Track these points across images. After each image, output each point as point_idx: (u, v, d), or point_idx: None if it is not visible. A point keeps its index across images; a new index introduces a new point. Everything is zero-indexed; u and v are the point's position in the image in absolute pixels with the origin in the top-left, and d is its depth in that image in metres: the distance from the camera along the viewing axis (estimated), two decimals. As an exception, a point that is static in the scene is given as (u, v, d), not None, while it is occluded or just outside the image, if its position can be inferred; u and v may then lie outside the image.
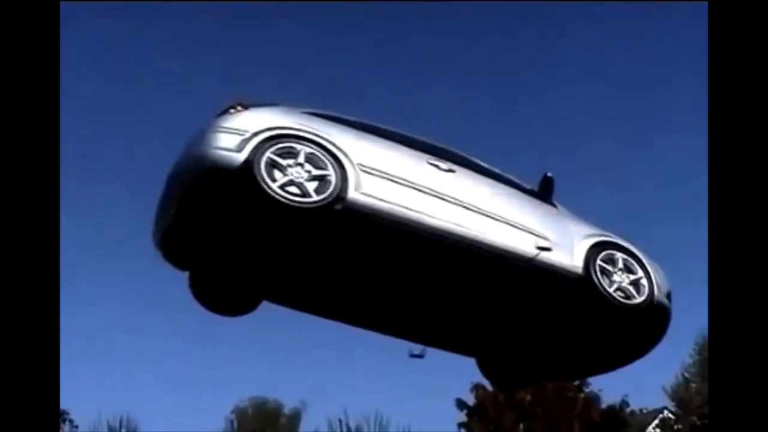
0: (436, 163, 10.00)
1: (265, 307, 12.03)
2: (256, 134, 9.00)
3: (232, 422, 44.52)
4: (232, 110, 9.42)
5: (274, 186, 8.75)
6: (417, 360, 11.22)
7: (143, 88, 77.30)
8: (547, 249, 9.93)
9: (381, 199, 9.20)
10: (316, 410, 51.85)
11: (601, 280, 10.07)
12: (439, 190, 9.67)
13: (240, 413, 45.18)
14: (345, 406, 44.05)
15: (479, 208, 9.88)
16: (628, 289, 10.24)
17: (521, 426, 37.70)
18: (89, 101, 69.70)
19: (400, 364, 72.80)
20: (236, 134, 9.00)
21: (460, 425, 38.60)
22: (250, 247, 9.76)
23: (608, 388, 37.55)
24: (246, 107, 9.51)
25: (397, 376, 68.85)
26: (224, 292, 10.66)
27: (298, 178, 8.93)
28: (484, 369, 12.33)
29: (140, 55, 75.68)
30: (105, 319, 70.10)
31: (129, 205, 71.16)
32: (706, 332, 42.17)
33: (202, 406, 69.29)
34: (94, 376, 59.02)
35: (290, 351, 71.52)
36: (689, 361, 42.61)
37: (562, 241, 10.20)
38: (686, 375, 42.16)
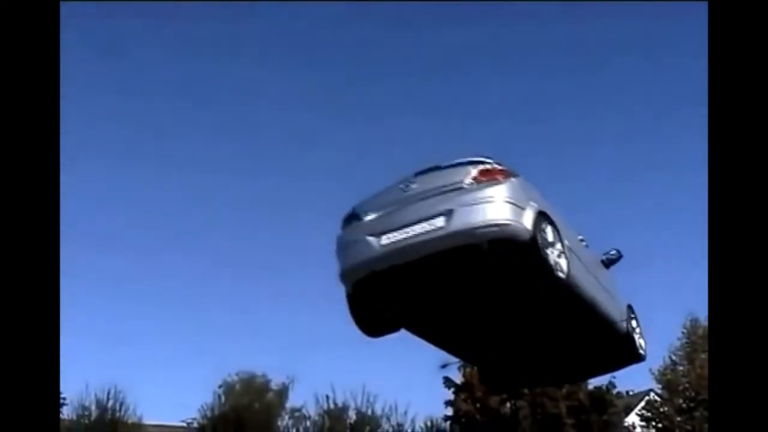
0: (581, 237, 13.14)
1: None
2: (531, 209, 10.86)
3: (219, 396, 44.42)
4: (489, 174, 11.05)
5: (551, 260, 10.97)
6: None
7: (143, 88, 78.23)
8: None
9: (576, 275, 11.73)
10: (304, 386, 51.89)
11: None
12: (587, 263, 12.66)
13: (227, 388, 44.96)
14: (332, 382, 43.94)
15: (597, 280, 13.13)
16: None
17: (507, 406, 37.84)
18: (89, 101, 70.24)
19: (388, 342, 73.24)
20: (517, 207, 10.71)
21: (447, 403, 38.77)
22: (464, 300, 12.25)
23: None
24: (506, 174, 11.11)
25: (384, 353, 69.25)
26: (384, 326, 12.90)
27: (557, 253, 11.24)
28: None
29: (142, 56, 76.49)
30: (94, 291, 70.16)
31: (121, 189, 71.28)
32: (693, 316, 42.49)
33: (190, 380, 69.75)
34: (82, 349, 59.06)
35: (280, 327, 72.28)
36: (677, 344, 42.72)
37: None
38: (673, 358, 42.29)
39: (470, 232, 10.58)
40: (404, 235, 10.96)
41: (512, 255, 10.72)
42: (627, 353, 15.16)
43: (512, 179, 11.09)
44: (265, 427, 43.45)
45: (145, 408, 46.34)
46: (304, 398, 45.88)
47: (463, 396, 38.05)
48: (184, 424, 44.47)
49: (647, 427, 42.01)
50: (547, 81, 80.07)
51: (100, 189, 72.00)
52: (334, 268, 11.67)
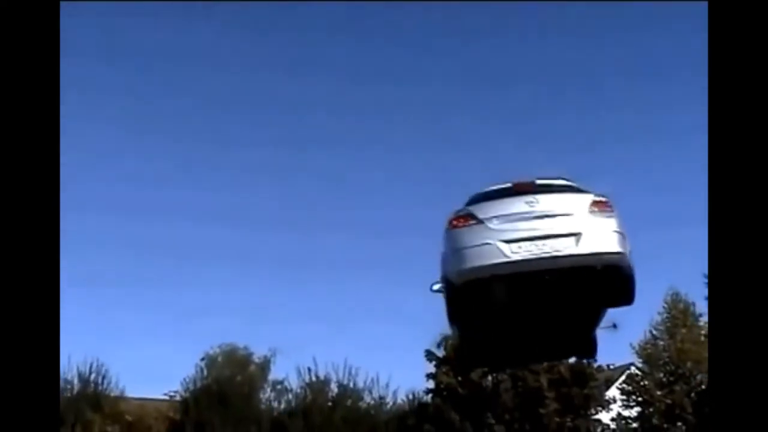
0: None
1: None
2: (626, 238, 12.95)
3: (201, 369, 44.45)
4: (602, 205, 12.93)
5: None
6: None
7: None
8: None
9: None
10: (286, 359, 51.86)
11: None
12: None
13: (210, 360, 44.96)
14: (314, 356, 44.05)
15: None
16: None
17: (489, 379, 38.03)
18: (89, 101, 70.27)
19: (370, 315, 73.65)
20: (623, 237, 12.85)
21: (428, 376, 38.93)
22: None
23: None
24: (612, 206, 13.00)
25: (367, 327, 69.57)
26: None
27: None
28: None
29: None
30: (76, 262, 69.94)
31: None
32: (674, 290, 42.61)
33: (173, 353, 69.77)
34: (63, 321, 58.74)
35: (263, 300, 72.38)
36: (657, 318, 42.79)
37: None
38: (654, 332, 42.29)
39: (595, 257, 12.61)
40: (536, 249, 12.49)
41: (616, 277, 12.99)
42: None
43: (615, 211, 13.07)
44: (247, 399, 43.57)
45: (128, 381, 46.36)
46: (286, 371, 45.77)
47: (444, 369, 38.26)
48: (167, 397, 44.49)
49: (627, 400, 42.18)
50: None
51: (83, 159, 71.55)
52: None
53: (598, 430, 39.61)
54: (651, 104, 78.54)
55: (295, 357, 48.33)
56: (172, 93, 79.49)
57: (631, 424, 41.67)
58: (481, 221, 12.74)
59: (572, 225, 12.65)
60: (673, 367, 41.80)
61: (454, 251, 12.86)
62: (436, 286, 14.49)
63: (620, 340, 44.08)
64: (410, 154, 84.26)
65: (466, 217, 12.87)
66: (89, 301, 67.37)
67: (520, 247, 12.50)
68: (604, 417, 40.42)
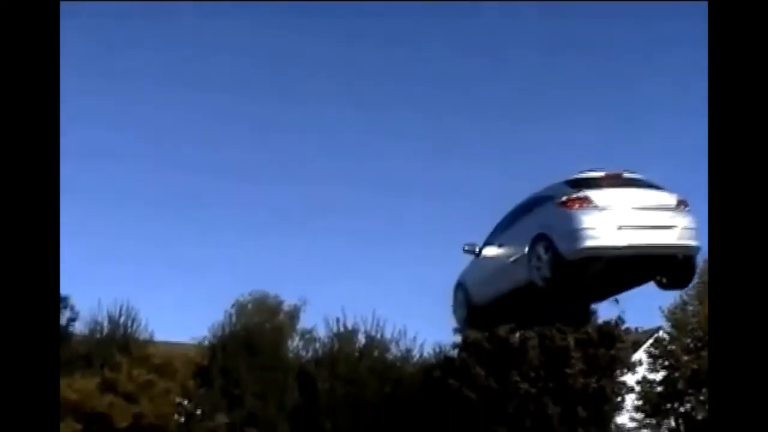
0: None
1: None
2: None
3: (230, 315, 44.57)
4: (683, 203, 14.93)
5: None
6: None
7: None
8: None
9: None
10: (315, 308, 52.13)
11: None
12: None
13: (240, 307, 45.07)
14: (343, 306, 44.15)
15: None
16: None
17: (517, 335, 37.86)
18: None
19: (400, 267, 73.70)
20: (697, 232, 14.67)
21: (456, 330, 38.83)
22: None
23: (605, 304, 37.82)
24: (687, 204, 14.91)
25: (396, 279, 69.70)
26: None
27: None
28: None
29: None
30: (108, 210, 70.43)
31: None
32: (706, 256, 42.20)
33: (204, 299, 70.43)
34: (96, 264, 59.41)
35: (295, 249, 72.61)
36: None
37: None
38: (684, 297, 41.92)
39: (681, 248, 14.88)
40: (641, 236, 14.35)
41: (687, 266, 15.42)
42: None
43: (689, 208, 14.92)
44: (274, 347, 43.86)
45: (157, 325, 46.80)
46: (314, 321, 45.94)
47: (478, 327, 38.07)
48: (195, 342, 44.82)
49: (653, 364, 42.04)
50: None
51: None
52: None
53: (623, 392, 39.31)
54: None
55: (325, 307, 48.52)
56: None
57: (655, 387, 41.51)
58: (596, 206, 14.36)
59: (667, 219, 14.61)
60: (701, 333, 41.49)
61: (569, 229, 14.31)
62: (468, 247, 16.93)
63: (650, 303, 43.97)
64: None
65: (581, 200, 14.41)
66: (123, 249, 67.74)
67: (629, 234, 14.29)
68: (630, 379, 40.19)
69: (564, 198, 14.64)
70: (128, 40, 75.45)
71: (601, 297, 18.24)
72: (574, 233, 14.27)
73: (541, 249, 14.77)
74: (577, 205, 14.44)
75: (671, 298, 41.61)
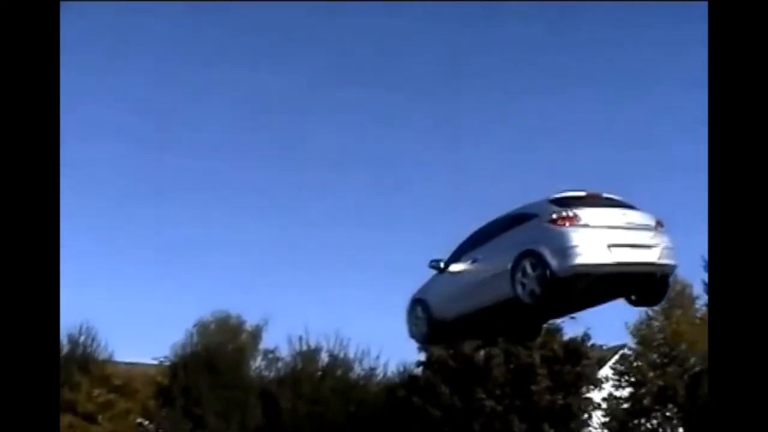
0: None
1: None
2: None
3: (192, 335, 44.15)
4: (660, 224, 15.30)
5: None
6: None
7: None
8: None
9: None
10: (278, 327, 51.79)
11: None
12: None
13: (202, 327, 44.72)
14: (306, 325, 43.83)
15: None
16: None
17: (481, 353, 37.64)
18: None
19: (362, 284, 73.45)
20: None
21: (421, 348, 38.55)
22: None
23: (569, 322, 37.73)
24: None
25: (358, 296, 69.38)
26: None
27: None
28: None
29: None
30: (70, 229, 69.55)
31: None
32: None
33: (166, 319, 69.66)
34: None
35: (257, 268, 72.11)
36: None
37: None
38: (650, 313, 41.80)
39: (661, 267, 15.25)
40: (628, 255, 14.69)
41: (662, 284, 16.01)
42: None
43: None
44: (236, 366, 43.42)
45: (119, 346, 46.19)
46: (277, 340, 45.80)
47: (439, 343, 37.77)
48: (156, 362, 44.33)
49: (619, 380, 41.86)
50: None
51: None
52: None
53: (589, 409, 39.11)
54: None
55: (288, 327, 48.19)
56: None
57: (622, 404, 41.32)
58: (586, 224, 14.68)
59: (650, 238, 15.05)
60: (667, 349, 41.48)
61: (561, 246, 14.53)
62: (434, 263, 17.02)
63: (615, 320, 43.87)
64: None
65: (571, 218, 14.72)
66: (83, 269, 66.93)
67: (617, 252, 14.60)
68: (596, 396, 40.02)
69: (554, 216, 14.89)
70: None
71: (571, 312, 18.80)
72: (567, 250, 14.54)
73: (527, 265, 14.91)
74: (567, 223, 14.75)
75: (634, 314, 41.54)
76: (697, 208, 48.13)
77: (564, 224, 14.72)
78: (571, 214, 14.79)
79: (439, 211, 77.64)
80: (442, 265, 17.11)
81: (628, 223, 15.09)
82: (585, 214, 14.85)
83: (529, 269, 14.85)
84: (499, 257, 15.68)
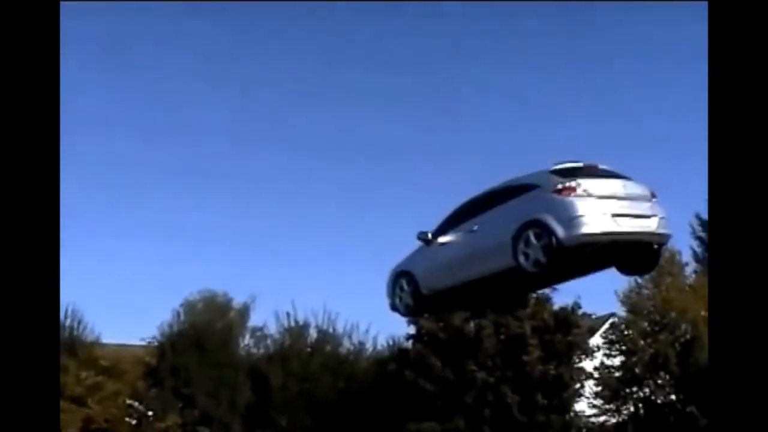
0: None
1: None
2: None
3: (178, 314, 43.77)
4: (654, 196, 15.59)
5: None
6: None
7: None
8: None
9: None
10: (265, 304, 51.39)
11: None
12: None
13: (189, 306, 44.33)
14: (293, 300, 43.49)
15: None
16: None
17: (471, 324, 37.40)
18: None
19: (352, 260, 73.21)
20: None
21: (410, 321, 38.29)
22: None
23: (559, 291, 37.57)
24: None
25: (347, 271, 69.13)
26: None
27: None
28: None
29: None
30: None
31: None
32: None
33: (152, 301, 69.33)
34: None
35: (244, 245, 71.88)
36: (643, 266, 41.94)
37: None
38: (639, 281, 41.52)
39: (659, 236, 15.66)
40: (631, 224, 15.10)
41: (656, 253, 16.26)
42: None
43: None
44: (225, 344, 43.12)
45: (106, 328, 45.90)
46: (265, 317, 45.18)
47: (426, 315, 37.44)
48: (144, 343, 43.89)
49: (610, 349, 41.65)
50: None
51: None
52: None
53: (582, 378, 38.96)
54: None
55: (275, 302, 47.82)
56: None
57: (614, 373, 41.13)
58: (591, 194, 14.96)
59: (648, 209, 15.42)
60: (657, 317, 41.26)
61: (568, 216, 14.80)
62: (422, 235, 17.07)
63: (604, 288, 43.65)
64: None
65: (576, 188, 14.99)
66: (68, 248, 66.29)
67: (621, 221, 14.96)
68: (587, 365, 39.88)
69: (559, 186, 15.17)
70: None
71: (568, 279, 18.77)
72: (573, 220, 14.83)
73: (531, 234, 15.15)
74: (572, 193, 15.02)
75: (623, 282, 41.21)
76: (684, 176, 48.04)
77: (569, 194, 15.00)
78: (575, 184, 15.06)
79: (425, 187, 77.35)
80: (430, 236, 17.08)
81: (628, 193, 15.38)
82: (588, 184, 15.11)
83: (533, 239, 15.06)
84: (498, 227, 15.80)
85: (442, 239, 16.93)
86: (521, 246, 15.19)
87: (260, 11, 74.68)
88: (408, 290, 17.64)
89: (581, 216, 14.75)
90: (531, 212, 15.26)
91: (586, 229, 14.76)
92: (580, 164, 15.70)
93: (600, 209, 14.90)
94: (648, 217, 15.40)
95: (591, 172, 15.57)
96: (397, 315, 18.73)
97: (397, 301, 17.94)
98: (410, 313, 19.36)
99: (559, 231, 14.78)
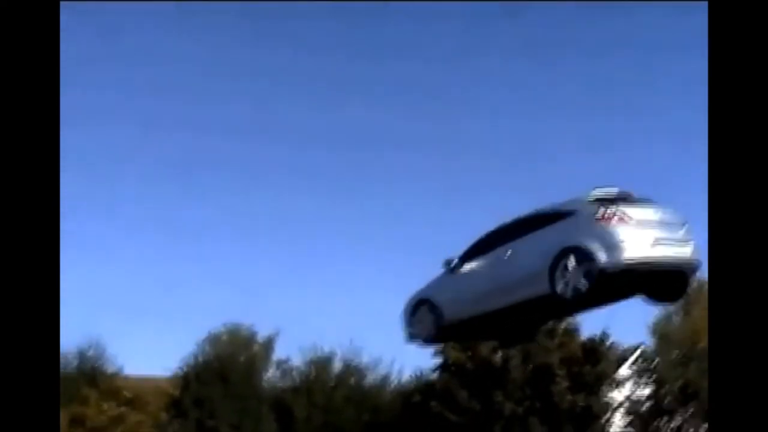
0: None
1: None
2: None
3: (203, 346, 43.65)
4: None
5: None
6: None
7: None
8: None
9: None
10: (290, 337, 50.98)
11: None
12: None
13: (214, 339, 44.33)
14: (319, 333, 43.24)
15: None
16: None
17: (499, 354, 36.92)
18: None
19: (377, 293, 72.66)
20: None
21: (436, 352, 37.88)
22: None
23: (588, 321, 37.31)
24: None
25: (372, 304, 68.57)
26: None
27: None
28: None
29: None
30: (81, 241, 69.10)
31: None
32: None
33: (176, 333, 68.95)
34: (63, 297, 57.75)
35: (268, 278, 71.46)
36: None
37: None
38: (669, 310, 40.96)
39: (692, 264, 15.26)
40: (667, 251, 14.99)
41: (686, 281, 15.88)
42: None
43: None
44: (249, 376, 42.85)
45: (130, 360, 45.77)
46: (290, 350, 44.97)
47: (453, 344, 37.03)
48: (167, 374, 43.34)
49: (639, 380, 40.96)
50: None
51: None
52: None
53: (610, 409, 38.35)
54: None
55: (301, 338, 47.57)
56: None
57: (643, 403, 40.42)
58: (632, 221, 14.93)
59: (683, 235, 15.29)
60: (687, 347, 40.56)
61: (611, 242, 14.76)
62: (449, 262, 16.85)
63: (634, 318, 43.03)
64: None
65: (618, 216, 14.97)
66: (92, 280, 66.28)
67: (661, 248, 14.93)
68: (616, 396, 39.18)
69: (600, 213, 15.20)
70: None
71: (602, 306, 17.94)
72: (616, 246, 14.80)
73: (571, 260, 15.10)
74: (613, 220, 15.02)
75: (651, 312, 40.69)
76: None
77: (610, 221, 15.03)
78: (617, 211, 15.09)
79: (445, 213, 76.90)
80: (455, 264, 16.91)
81: (663, 220, 15.38)
82: (628, 211, 15.14)
83: (573, 264, 15.04)
84: (533, 254, 15.79)
85: (466, 267, 16.81)
86: (559, 273, 15.18)
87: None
88: (429, 318, 17.33)
89: (623, 242, 14.75)
90: (569, 239, 15.31)
91: (627, 255, 14.73)
92: (615, 191, 15.72)
93: (640, 236, 14.92)
94: (683, 243, 15.32)
95: (627, 198, 15.56)
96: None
97: (416, 329, 17.65)
98: (430, 341, 19.01)
99: (602, 257, 14.79)
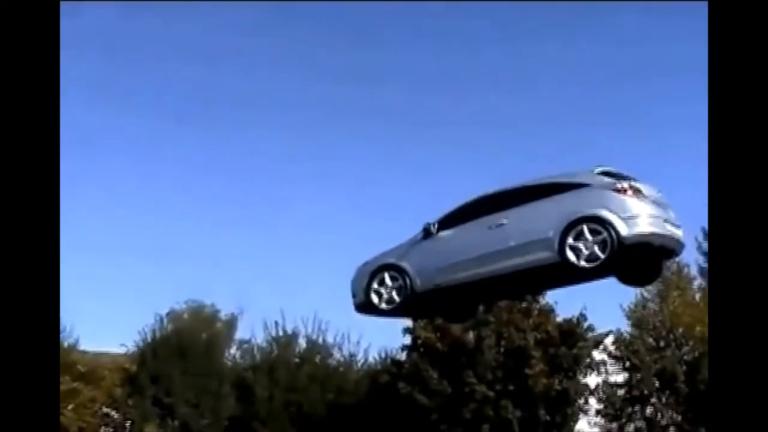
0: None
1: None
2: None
3: (162, 320, 42.46)
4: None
5: None
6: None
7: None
8: None
9: None
10: (255, 317, 50.04)
11: None
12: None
13: (175, 316, 43.14)
14: (282, 309, 41.97)
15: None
16: None
17: (471, 334, 35.61)
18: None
19: (343, 268, 71.46)
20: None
21: (405, 331, 36.58)
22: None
23: (564, 304, 36.52)
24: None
25: (340, 280, 67.21)
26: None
27: None
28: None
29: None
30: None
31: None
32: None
33: (137, 311, 67.81)
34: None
35: (231, 256, 70.51)
36: (649, 281, 40.33)
37: None
38: (645, 295, 39.94)
39: (678, 242, 16.05)
40: (665, 227, 15.49)
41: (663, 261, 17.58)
42: None
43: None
44: (210, 353, 41.66)
45: (87, 337, 44.48)
46: (253, 329, 43.85)
47: (423, 323, 35.63)
48: (124, 350, 42.39)
49: (615, 364, 39.80)
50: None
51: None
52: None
53: (586, 394, 37.17)
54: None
55: (264, 315, 46.35)
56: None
57: (619, 389, 39.29)
58: (645, 196, 15.43)
59: (671, 214, 15.87)
60: (664, 332, 39.53)
61: (628, 214, 15.12)
62: (428, 226, 16.32)
63: (610, 303, 42.08)
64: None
65: (632, 189, 15.38)
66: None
67: (666, 225, 15.54)
68: (592, 381, 38.09)
69: (619, 185, 15.45)
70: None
71: (601, 278, 17.45)
72: (634, 218, 15.12)
73: (585, 230, 15.20)
74: (630, 192, 15.36)
75: (631, 296, 40.19)
76: (692, 191, 46.77)
77: (629, 194, 15.35)
78: (634, 185, 15.47)
79: (416, 185, 76.56)
80: (434, 229, 16.36)
81: (659, 200, 15.83)
82: (642, 187, 15.59)
83: (587, 234, 15.15)
84: (538, 222, 15.70)
85: (447, 233, 16.31)
86: (570, 241, 15.20)
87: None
88: (394, 286, 16.44)
89: (639, 216, 15.14)
90: (584, 208, 15.34)
91: (643, 229, 15.11)
92: (615, 169, 16.03)
93: (651, 211, 15.36)
94: (677, 225, 15.89)
95: (629, 176, 15.91)
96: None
97: (375, 298, 16.57)
98: (394, 311, 17.35)
99: (621, 228, 15.01)
